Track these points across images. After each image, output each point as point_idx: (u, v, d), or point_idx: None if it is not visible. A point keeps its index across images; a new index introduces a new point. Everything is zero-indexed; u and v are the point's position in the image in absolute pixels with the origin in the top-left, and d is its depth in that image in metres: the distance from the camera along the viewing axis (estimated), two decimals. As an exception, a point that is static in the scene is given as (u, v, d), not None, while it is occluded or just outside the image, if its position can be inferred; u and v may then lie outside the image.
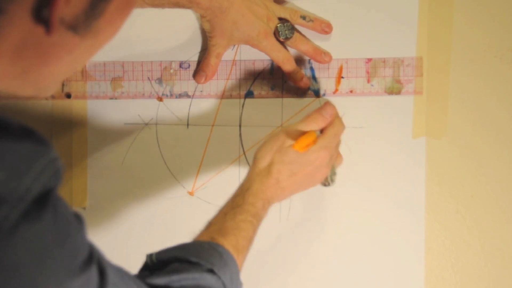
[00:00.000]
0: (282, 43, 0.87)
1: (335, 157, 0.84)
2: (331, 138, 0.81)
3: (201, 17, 0.85)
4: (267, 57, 0.88)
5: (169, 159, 0.90)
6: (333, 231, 0.90)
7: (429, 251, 0.89)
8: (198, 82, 0.88)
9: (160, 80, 0.89)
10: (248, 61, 0.89)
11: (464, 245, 0.90)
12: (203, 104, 0.90)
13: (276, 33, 0.86)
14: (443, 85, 0.89)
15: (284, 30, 0.86)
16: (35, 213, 0.47)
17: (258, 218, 0.77)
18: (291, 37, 0.86)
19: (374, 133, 0.89)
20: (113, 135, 0.90)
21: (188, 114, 0.90)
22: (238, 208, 0.76)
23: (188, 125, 0.90)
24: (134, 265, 0.91)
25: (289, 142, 0.79)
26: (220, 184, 0.90)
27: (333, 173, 0.84)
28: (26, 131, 0.49)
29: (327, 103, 0.82)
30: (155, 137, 0.90)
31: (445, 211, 0.90)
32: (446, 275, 0.90)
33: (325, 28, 0.88)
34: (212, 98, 0.90)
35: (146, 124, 0.90)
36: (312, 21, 0.87)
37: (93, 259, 0.53)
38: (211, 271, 0.68)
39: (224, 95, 0.90)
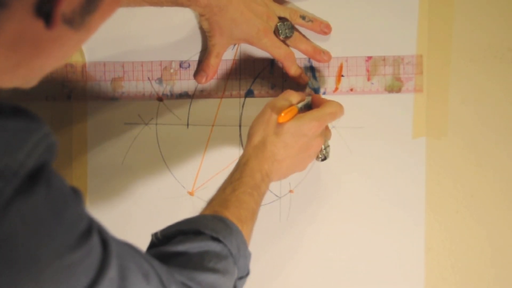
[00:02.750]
0: (283, 41, 0.87)
1: (325, 131, 0.84)
2: (326, 113, 0.81)
3: (200, 16, 0.85)
4: (267, 56, 0.88)
5: (169, 159, 0.90)
6: (333, 231, 0.90)
7: (429, 251, 0.89)
8: (199, 82, 0.88)
9: (160, 80, 0.89)
10: (248, 60, 0.89)
11: (464, 245, 0.90)
12: (203, 104, 0.90)
13: (276, 32, 0.86)
14: (443, 85, 0.89)
15: (284, 29, 0.86)
16: (29, 187, 0.48)
17: (258, 191, 0.78)
18: (291, 36, 0.86)
19: (374, 133, 0.89)
20: (113, 135, 0.90)
21: (188, 114, 0.90)
22: (237, 182, 0.77)
23: (188, 125, 0.90)
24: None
25: (275, 116, 0.80)
26: (220, 184, 0.90)
27: (326, 146, 0.85)
28: (17, 110, 0.49)
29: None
30: (155, 137, 0.90)
31: (445, 211, 0.90)
32: (446, 275, 0.90)
33: (324, 28, 0.88)
34: (212, 98, 0.90)
35: (146, 124, 0.90)
36: (312, 21, 0.87)
37: (93, 231, 0.53)
38: (216, 239, 0.69)
39: (224, 95, 0.90)
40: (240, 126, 0.90)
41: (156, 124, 0.90)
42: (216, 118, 0.90)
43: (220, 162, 0.90)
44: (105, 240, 0.55)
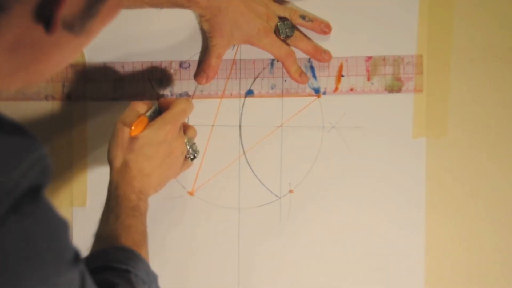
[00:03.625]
0: (283, 41, 0.87)
1: (186, 130, 0.84)
2: (176, 113, 0.80)
3: (200, 17, 0.85)
4: (267, 56, 0.88)
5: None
6: (333, 231, 0.90)
7: (429, 251, 0.89)
8: (199, 83, 0.88)
9: (160, 80, 0.89)
10: (248, 61, 0.89)
11: (464, 245, 0.90)
12: (203, 104, 0.90)
13: (276, 32, 0.86)
14: (443, 85, 0.89)
15: (284, 29, 0.86)
16: (23, 207, 0.47)
17: (139, 211, 0.76)
18: (291, 36, 0.86)
19: (374, 133, 0.89)
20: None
21: (188, 114, 0.90)
22: (116, 209, 0.75)
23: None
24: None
25: (127, 131, 0.78)
26: (220, 184, 0.90)
27: (192, 144, 0.84)
28: (15, 127, 0.49)
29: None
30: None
31: (445, 211, 0.90)
32: (446, 275, 0.90)
33: (324, 28, 0.88)
34: (212, 97, 0.90)
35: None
36: (312, 21, 0.87)
37: (79, 260, 0.54)
38: (126, 271, 0.69)
39: (224, 95, 0.90)
40: (240, 126, 0.90)
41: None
42: (216, 118, 0.90)
43: (220, 162, 0.90)
44: (83, 272, 0.55)
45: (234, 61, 0.89)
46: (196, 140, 0.87)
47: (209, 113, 0.90)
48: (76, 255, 0.53)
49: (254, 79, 0.90)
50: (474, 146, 0.89)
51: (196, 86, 0.89)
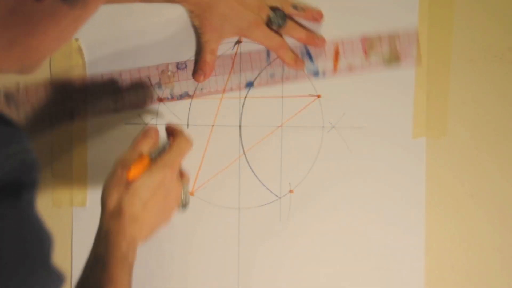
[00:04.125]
0: (275, 31, 0.87)
1: (182, 176, 0.81)
2: (175, 155, 0.77)
3: (190, 13, 0.85)
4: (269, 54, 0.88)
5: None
6: (333, 231, 0.90)
7: (429, 251, 0.89)
8: (197, 81, 0.88)
9: (159, 84, 0.89)
10: (247, 55, 0.89)
11: (464, 245, 0.90)
12: (203, 104, 0.90)
13: (268, 23, 0.86)
14: (443, 85, 0.89)
15: (277, 19, 0.86)
16: None
17: (127, 261, 0.71)
18: (283, 25, 0.86)
19: (374, 133, 0.89)
20: (113, 135, 0.90)
21: (188, 114, 0.90)
22: (105, 258, 0.70)
23: (188, 125, 0.90)
24: (134, 266, 0.91)
25: (125, 172, 0.74)
26: (220, 184, 0.90)
27: (186, 191, 0.80)
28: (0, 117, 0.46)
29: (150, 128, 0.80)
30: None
31: (445, 211, 0.90)
32: (446, 275, 0.90)
33: (316, 15, 0.88)
34: (212, 94, 0.90)
35: (146, 124, 0.90)
36: (304, 10, 0.87)
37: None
38: None
39: (225, 90, 0.89)
40: (240, 126, 0.90)
41: (156, 124, 0.90)
42: (216, 118, 0.90)
43: (220, 162, 0.90)
44: None
45: (233, 56, 0.89)
46: (197, 141, 0.87)
47: (209, 113, 0.90)
48: (57, 278, 0.50)
49: (257, 76, 0.90)
50: (474, 146, 0.89)
51: (196, 85, 0.89)
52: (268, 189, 0.90)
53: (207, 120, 0.90)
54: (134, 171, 0.74)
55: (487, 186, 0.89)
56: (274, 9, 0.86)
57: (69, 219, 0.91)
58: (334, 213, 0.90)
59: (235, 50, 0.89)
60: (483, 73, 0.89)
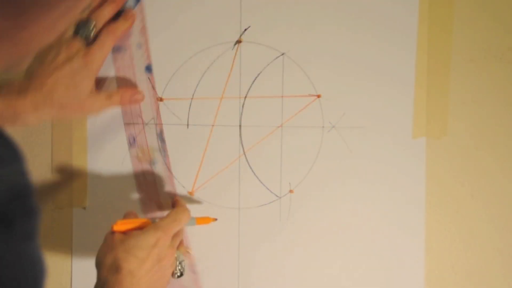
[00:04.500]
0: (93, 40, 0.83)
1: (179, 245, 0.84)
2: (170, 222, 0.80)
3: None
4: (269, 54, 0.88)
5: (169, 159, 0.90)
6: (333, 231, 0.90)
7: (429, 251, 0.89)
8: (138, 101, 0.88)
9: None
10: (248, 60, 0.89)
11: (464, 245, 0.90)
12: (203, 104, 0.90)
13: (87, 39, 0.82)
14: (443, 85, 0.89)
15: (85, 29, 0.82)
16: None
17: None
18: (94, 24, 0.83)
19: (374, 133, 0.89)
20: (113, 135, 0.90)
21: (188, 114, 0.90)
22: None
23: (188, 125, 0.90)
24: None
25: (117, 235, 0.78)
26: (220, 184, 0.90)
27: (181, 260, 0.83)
28: None
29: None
30: (155, 137, 0.90)
31: (445, 211, 0.90)
32: (446, 275, 0.90)
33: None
34: (212, 98, 0.90)
35: (146, 124, 0.90)
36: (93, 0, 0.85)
37: None
38: None
39: (224, 94, 0.90)
40: (240, 126, 0.90)
41: (156, 124, 0.90)
42: (216, 118, 0.90)
43: (220, 162, 0.90)
44: None
45: (234, 61, 0.90)
46: (197, 141, 0.87)
47: (209, 113, 0.90)
48: None
49: (254, 79, 0.90)
50: (474, 146, 0.89)
51: (196, 86, 0.90)
52: (268, 189, 0.90)
53: (207, 120, 0.90)
54: (120, 224, 0.79)
55: (487, 186, 0.89)
56: (75, 26, 0.83)
57: (69, 220, 0.91)
58: (334, 213, 0.90)
59: (235, 50, 0.89)
60: (483, 73, 0.89)
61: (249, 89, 0.90)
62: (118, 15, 0.86)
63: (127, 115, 0.90)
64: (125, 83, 0.90)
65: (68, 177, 0.90)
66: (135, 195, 0.91)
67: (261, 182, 0.90)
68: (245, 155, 0.90)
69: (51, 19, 0.46)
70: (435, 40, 0.89)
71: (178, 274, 0.83)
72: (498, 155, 0.89)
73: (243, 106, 0.90)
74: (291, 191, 0.90)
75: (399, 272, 0.90)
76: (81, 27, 0.82)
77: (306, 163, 0.90)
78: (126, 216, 0.84)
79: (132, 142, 0.89)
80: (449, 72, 0.89)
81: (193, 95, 0.90)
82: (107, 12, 0.84)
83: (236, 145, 0.90)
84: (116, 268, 0.74)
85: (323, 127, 0.90)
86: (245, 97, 0.90)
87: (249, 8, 0.89)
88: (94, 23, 0.82)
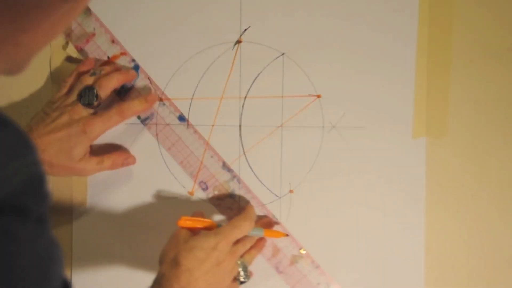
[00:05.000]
0: (96, 106, 0.85)
1: (245, 254, 0.85)
2: (231, 228, 0.82)
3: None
4: (269, 54, 0.88)
5: (169, 159, 0.90)
6: (333, 231, 0.90)
7: (429, 251, 0.89)
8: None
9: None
10: (248, 60, 0.89)
11: (464, 245, 0.90)
12: (203, 104, 0.90)
13: (88, 106, 0.84)
14: (443, 85, 0.89)
15: (88, 97, 0.84)
16: (7, 226, 0.42)
17: None
18: (97, 92, 0.84)
19: (374, 133, 0.89)
20: (113, 135, 0.90)
21: (188, 114, 0.90)
22: None
23: (188, 125, 0.90)
24: (134, 266, 0.91)
25: (184, 232, 0.82)
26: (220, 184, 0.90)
27: (245, 267, 0.84)
28: (7, 124, 0.44)
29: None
30: (155, 137, 0.91)
31: (445, 211, 0.90)
32: (446, 275, 0.90)
33: (116, 67, 0.88)
34: (212, 98, 0.90)
35: (146, 124, 0.90)
36: (103, 69, 0.86)
37: None
38: None
39: (224, 94, 0.90)
40: (240, 126, 0.90)
41: (156, 124, 0.90)
42: (216, 118, 0.90)
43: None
44: None
45: (234, 61, 0.90)
46: (197, 141, 0.87)
47: (209, 113, 0.90)
48: (64, 286, 0.50)
49: (254, 79, 0.90)
50: (474, 146, 0.89)
51: (196, 85, 0.90)
52: (268, 189, 0.90)
53: (207, 120, 0.90)
54: (183, 220, 0.82)
55: (487, 186, 0.89)
56: (79, 93, 0.84)
57: (69, 220, 0.91)
58: (334, 213, 0.90)
59: (235, 50, 0.89)
60: (483, 73, 0.89)
61: (249, 89, 0.90)
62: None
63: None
64: (117, 148, 0.90)
65: (68, 177, 0.90)
66: (135, 195, 0.91)
67: (261, 182, 0.90)
68: (245, 155, 0.90)
69: (50, 23, 0.46)
70: (435, 40, 0.89)
71: (242, 279, 0.84)
72: (498, 155, 0.89)
73: (243, 106, 0.90)
74: (291, 191, 0.90)
75: (399, 272, 0.90)
76: (84, 94, 0.84)
77: (306, 163, 0.90)
78: (193, 215, 0.86)
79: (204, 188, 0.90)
80: (449, 72, 0.89)
81: (193, 95, 0.90)
82: (113, 82, 0.86)
83: (236, 145, 0.90)
84: (175, 264, 0.78)
85: (323, 127, 0.90)
86: (245, 97, 0.90)
87: (249, 8, 0.89)
88: (96, 91, 0.84)
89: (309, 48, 0.89)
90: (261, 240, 0.88)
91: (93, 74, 0.86)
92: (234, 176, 0.89)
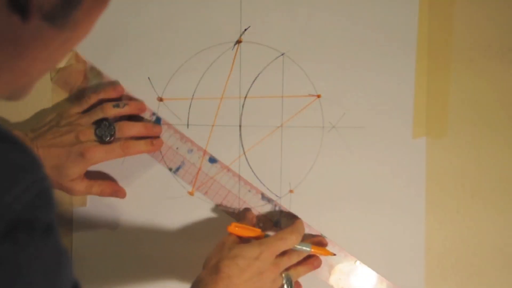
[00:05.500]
0: (107, 142, 0.84)
1: (291, 268, 0.84)
2: (276, 239, 0.82)
3: None
4: (269, 54, 0.88)
5: (169, 159, 0.90)
6: (333, 231, 0.90)
7: (429, 251, 0.89)
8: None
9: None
10: (248, 60, 0.89)
11: (464, 245, 0.90)
12: (203, 104, 0.90)
13: (97, 138, 0.83)
14: (443, 85, 0.89)
15: (104, 131, 0.83)
16: (18, 237, 0.43)
17: None
18: (114, 132, 0.84)
19: (374, 133, 0.89)
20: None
21: (188, 114, 0.90)
22: None
23: (188, 125, 0.90)
24: (134, 266, 0.91)
25: (232, 238, 0.83)
26: (220, 184, 0.90)
27: (288, 280, 0.83)
28: (13, 142, 0.45)
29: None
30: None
31: (445, 211, 0.90)
32: (446, 275, 0.90)
33: (141, 107, 0.88)
34: (212, 98, 0.90)
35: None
36: (127, 104, 0.86)
37: None
38: None
39: (224, 94, 0.90)
40: (240, 126, 0.90)
41: (157, 122, 0.90)
42: (216, 118, 0.90)
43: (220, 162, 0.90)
44: None
45: (234, 61, 0.90)
46: (197, 141, 0.87)
47: (209, 113, 0.90)
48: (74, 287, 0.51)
49: (254, 79, 0.90)
50: (474, 146, 0.89)
51: (196, 85, 0.90)
52: (268, 189, 0.90)
53: (207, 120, 0.90)
54: (234, 226, 0.84)
55: (487, 186, 0.89)
56: (98, 121, 0.84)
57: (69, 220, 0.91)
58: (333, 213, 0.90)
59: (235, 50, 0.89)
60: (483, 73, 0.89)
61: (249, 89, 0.90)
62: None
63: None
64: (107, 177, 0.90)
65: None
66: (135, 195, 0.91)
67: (261, 182, 0.90)
68: (245, 155, 0.90)
69: (48, 51, 0.47)
70: (435, 40, 0.89)
71: None
72: (498, 155, 0.89)
73: (243, 106, 0.90)
74: (291, 191, 0.90)
75: (399, 272, 0.90)
76: (101, 125, 0.83)
77: (306, 163, 0.90)
78: (243, 216, 0.87)
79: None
80: (449, 72, 0.89)
81: (193, 95, 0.90)
82: (133, 131, 0.86)
83: (236, 145, 0.90)
84: (216, 270, 0.78)
85: (323, 127, 0.90)
86: (245, 97, 0.90)
87: (249, 8, 0.89)
88: (114, 130, 0.84)
89: (309, 48, 0.89)
90: (314, 259, 0.87)
91: (117, 106, 0.85)
92: (276, 205, 0.89)
